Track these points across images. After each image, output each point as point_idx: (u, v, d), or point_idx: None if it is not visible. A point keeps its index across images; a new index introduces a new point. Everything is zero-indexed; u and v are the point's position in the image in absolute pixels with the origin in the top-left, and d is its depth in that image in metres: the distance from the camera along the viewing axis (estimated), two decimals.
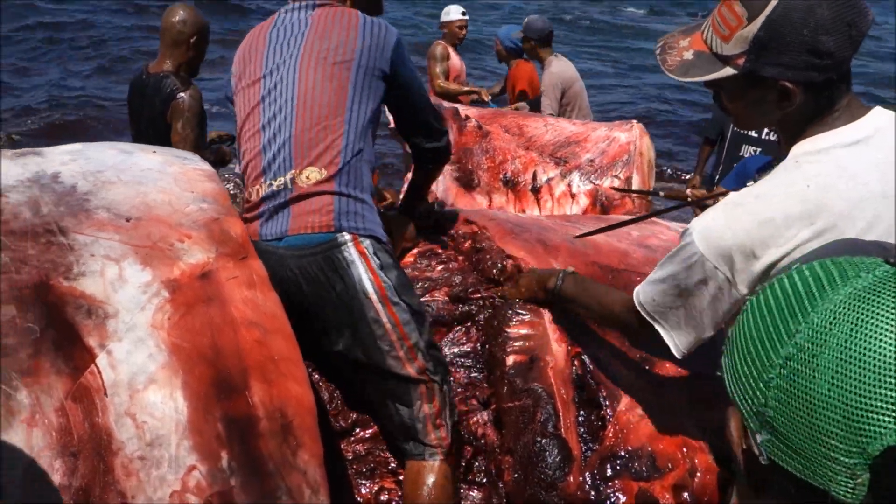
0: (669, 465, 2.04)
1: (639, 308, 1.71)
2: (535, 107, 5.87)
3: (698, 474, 2.06)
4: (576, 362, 2.17)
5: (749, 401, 0.64)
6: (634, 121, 4.22)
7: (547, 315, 2.25)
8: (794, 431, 0.60)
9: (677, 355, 1.69)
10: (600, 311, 1.96)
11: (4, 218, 1.76)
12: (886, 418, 0.55)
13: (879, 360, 0.56)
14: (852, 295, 0.60)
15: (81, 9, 15.32)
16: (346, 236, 2.03)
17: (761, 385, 0.63)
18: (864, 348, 0.57)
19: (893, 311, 0.57)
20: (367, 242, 2.04)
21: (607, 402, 2.10)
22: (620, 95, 12.21)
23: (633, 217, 2.42)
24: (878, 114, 1.48)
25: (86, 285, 1.70)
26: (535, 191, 3.91)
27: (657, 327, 1.69)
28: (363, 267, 2.02)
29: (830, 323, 0.59)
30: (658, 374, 2.18)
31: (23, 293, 1.63)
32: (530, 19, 5.95)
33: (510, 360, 2.14)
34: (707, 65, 1.49)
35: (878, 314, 0.58)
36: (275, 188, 2.11)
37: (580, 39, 16.65)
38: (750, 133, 4.46)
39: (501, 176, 3.92)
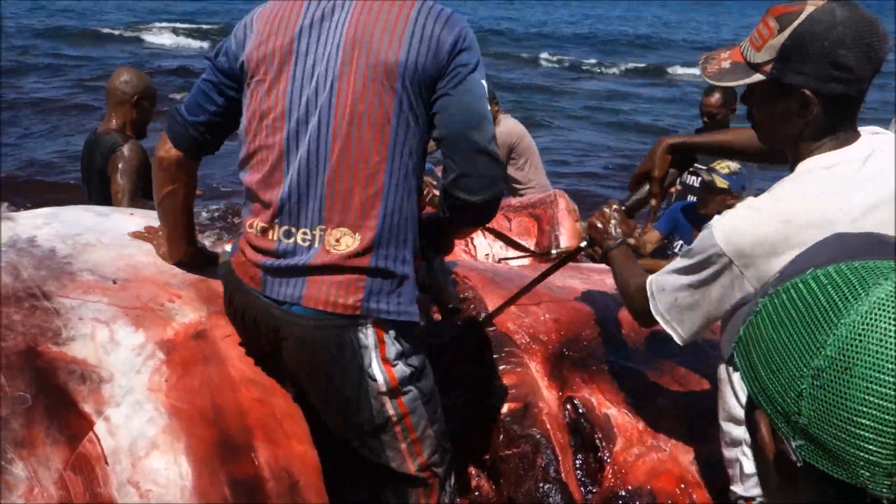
0: (669, 501, 2.03)
1: (649, 295, 1.77)
2: None
3: None
4: (568, 406, 2.17)
5: (779, 407, 0.66)
6: None
7: (533, 364, 2.24)
8: (831, 438, 0.63)
9: (680, 343, 1.74)
10: (621, 285, 1.98)
11: None
12: None
13: None
14: (877, 304, 0.63)
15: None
16: (369, 320, 1.72)
17: (792, 394, 0.65)
18: None
19: None
20: (391, 331, 1.74)
21: (603, 444, 2.10)
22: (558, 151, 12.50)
23: (549, 267, 2.39)
24: (871, 135, 1.62)
25: (77, 349, 1.62)
26: None
27: (659, 319, 1.74)
28: (376, 354, 1.72)
29: (860, 335, 0.62)
30: (651, 412, 2.18)
31: (10, 360, 1.55)
32: None
33: (504, 408, 2.12)
34: (740, 72, 1.62)
35: None
36: (298, 242, 1.72)
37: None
38: (693, 184, 4.81)
39: None
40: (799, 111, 1.55)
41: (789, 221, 1.50)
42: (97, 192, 3.77)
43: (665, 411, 2.20)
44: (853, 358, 0.62)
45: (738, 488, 1.71)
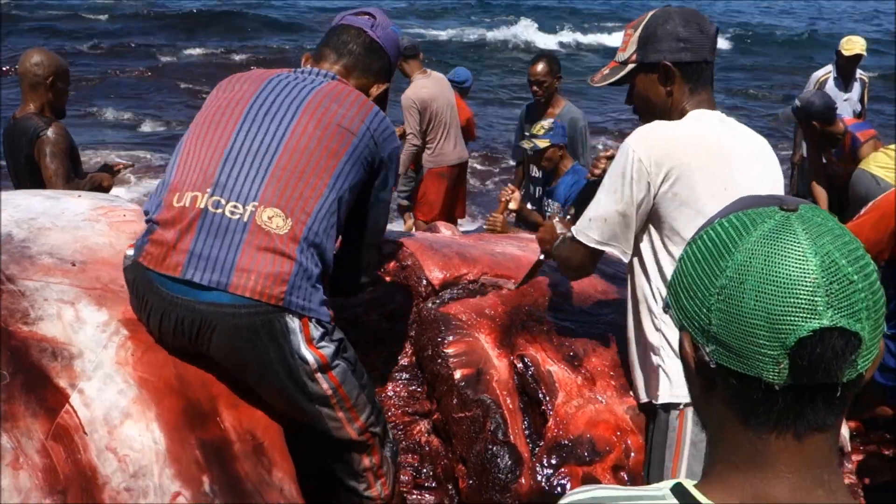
0: (607, 447, 2.35)
1: (578, 236, 2.20)
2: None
3: (632, 454, 2.38)
4: (517, 363, 2.45)
5: (696, 323, 0.93)
6: None
7: (482, 336, 2.52)
8: (733, 338, 0.89)
9: (625, 258, 2.19)
10: (559, 259, 2.39)
11: None
12: (796, 318, 0.85)
13: (786, 279, 0.86)
14: (761, 236, 0.90)
15: None
16: (292, 309, 1.92)
17: (704, 310, 0.92)
18: (775, 272, 0.87)
19: (790, 243, 0.88)
20: (312, 318, 1.95)
21: (547, 398, 2.40)
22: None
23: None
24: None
25: (46, 329, 1.84)
26: None
27: (598, 246, 2.16)
28: (302, 338, 1.93)
29: (750, 258, 0.89)
30: (587, 367, 2.50)
31: None
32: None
33: (458, 374, 2.39)
34: (617, 71, 2.25)
35: (781, 247, 0.88)
36: (225, 214, 1.90)
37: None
38: (534, 174, 5.44)
39: None
40: (664, 81, 2.16)
41: (680, 136, 2.10)
42: (28, 177, 3.92)
43: (601, 366, 2.52)
44: (745, 275, 0.88)
45: (665, 393, 2.17)
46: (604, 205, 2.13)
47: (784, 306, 0.85)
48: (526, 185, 5.66)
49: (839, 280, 0.85)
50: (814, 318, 0.84)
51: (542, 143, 4.72)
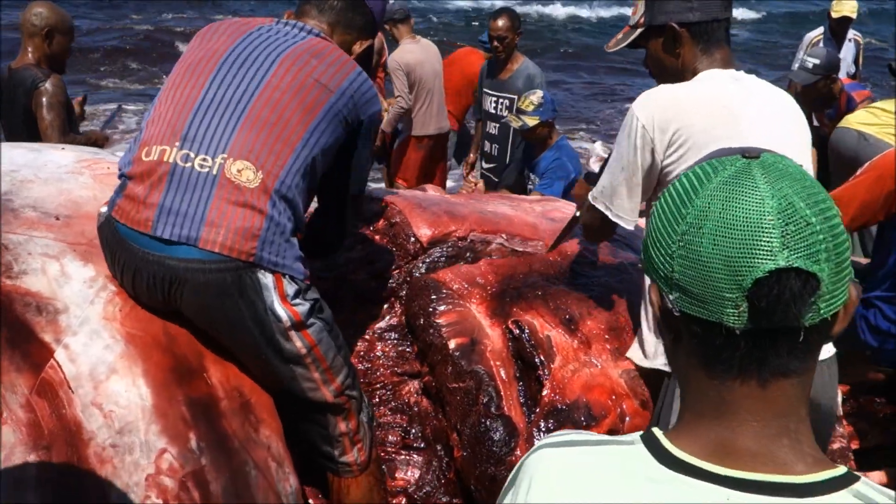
0: (603, 412, 2.37)
1: (592, 201, 2.24)
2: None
3: (627, 419, 2.40)
4: (513, 329, 2.45)
5: (661, 272, 0.95)
6: None
7: (473, 305, 2.52)
8: (694, 284, 0.90)
9: (629, 226, 2.20)
10: (583, 225, 2.44)
11: None
12: (752, 260, 0.86)
13: (743, 222, 0.87)
14: (721, 181, 0.92)
15: None
16: (264, 265, 1.92)
17: (667, 257, 0.93)
18: (732, 215, 0.88)
19: (748, 188, 0.89)
20: (285, 274, 1.95)
21: (544, 363, 2.40)
22: None
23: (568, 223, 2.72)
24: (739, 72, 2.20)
25: (30, 283, 1.84)
26: None
27: (606, 212, 2.19)
28: (276, 294, 1.92)
29: (709, 203, 0.91)
30: (583, 331, 2.50)
31: None
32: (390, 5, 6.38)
33: (452, 343, 2.39)
34: (629, 36, 2.27)
35: (739, 191, 0.90)
36: (195, 167, 1.90)
37: None
38: (490, 109, 5.64)
39: None
40: (673, 45, 2.15)
41: (684, 98, 2.08)
42: (24, 129, 3.96)
43: (596, 329, 2.53)
44: (704, 220, 0.89)
45: None
46: (612, 171, 2.15)
47: (741, 248, 0.86)
48: (482, 142, 5.81)
49: (795, 221, 0.86)
50: (769, 259, 0.85)
51: (531, 121, 4.67)
